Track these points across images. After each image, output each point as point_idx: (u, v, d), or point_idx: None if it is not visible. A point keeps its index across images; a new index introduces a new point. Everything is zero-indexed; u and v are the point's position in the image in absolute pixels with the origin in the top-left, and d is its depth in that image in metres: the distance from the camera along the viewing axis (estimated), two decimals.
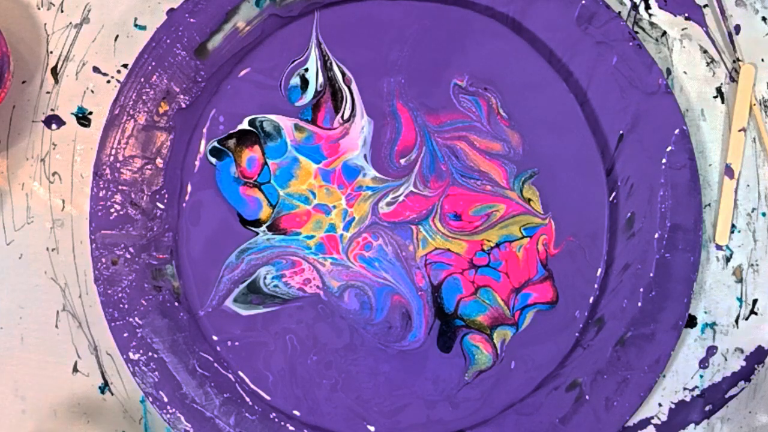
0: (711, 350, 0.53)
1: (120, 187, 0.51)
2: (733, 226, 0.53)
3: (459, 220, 0.52)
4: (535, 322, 0.52)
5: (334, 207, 0.52)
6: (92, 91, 0.53)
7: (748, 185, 0.53)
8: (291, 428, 0.51)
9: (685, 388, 0.53)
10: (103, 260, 0.51)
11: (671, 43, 0.53)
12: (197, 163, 0.52)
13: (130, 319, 0.51)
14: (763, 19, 0.53)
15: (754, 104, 0.53)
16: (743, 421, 0.53)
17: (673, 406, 0.53)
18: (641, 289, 0.51)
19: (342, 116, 0.52)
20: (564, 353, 0.52)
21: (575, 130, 0.52)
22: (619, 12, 0.53)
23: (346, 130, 0.52)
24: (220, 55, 0.52)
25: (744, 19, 0.53)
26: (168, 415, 0.50)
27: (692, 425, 0.53)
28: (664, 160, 0.51)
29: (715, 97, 0.53)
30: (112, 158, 0.51)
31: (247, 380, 0.52)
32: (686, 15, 0.53)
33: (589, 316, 0.52)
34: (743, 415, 0.53)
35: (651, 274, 0.51)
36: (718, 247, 0.53)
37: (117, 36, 0.53)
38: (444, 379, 0.52)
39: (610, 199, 0.52)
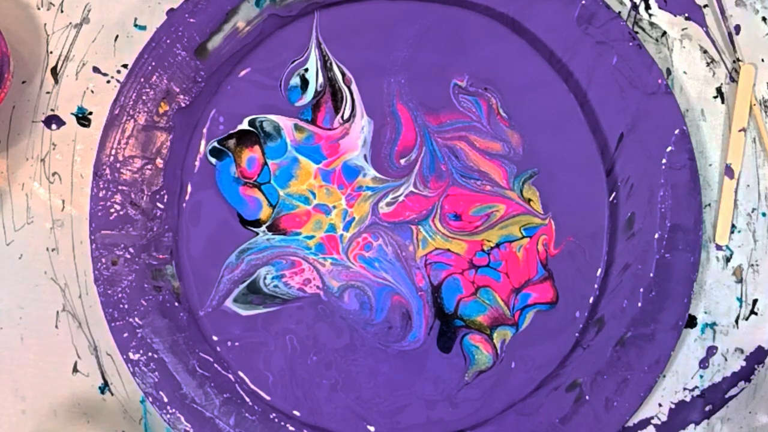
0: (711, 350, 0.53)
1: (120, 187, 0.51)
2: (733, 226, 0.53)
3: (459, 220, 0.52)
4: (535, 323, 0.52)
5: (334, 207, 0.52)
6: (92, 91, 0.53)
7: (748, 185, 0.53)
8: (291, 428, 0.51)
9: (685, 388, 0.53)
10: (103, 260, 0.51)
11: (671, 43, 0.53)
12: (197, 163, 0.52)
13: (130, 320, 0.51)
14: (763, 19, 0.53)
15: (754, 104, 0.53)
16: (743, 421, 0.53)
17: (673, 406, 0.53)
18: (641, 289, 0.51)
19: (342, 116, 0.52)
20: (564, 353, 0.52)
21: (575, 130, 0.52)
22: (619, 12, 0.53)
23: (346, 130, 0.52)
24: (220, 55, 0.52)
25: (744, 19, 0.53)
26: (168, 415, 0.50)
27: (692, 425, 0.53)
28: (664, 160, 0.51)
29: (715, 97, 0.53)
30: (112, 158, 0.51)
31: (247, 380, 0.52)
32: (686, 15, 0.53)
33: (589, 316, 0.52)
34: (743, 415, 0.53)
35: (651, 274, 0.51)
36: (718, 247, 0.53)
37: (117, 36, 0.53)
38: (444, 380, 0.52)
39: (610, 199, 0.52)
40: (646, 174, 0.51)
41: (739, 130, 0.53)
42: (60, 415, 0.52)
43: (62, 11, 0.53)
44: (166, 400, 0.50)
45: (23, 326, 0.52)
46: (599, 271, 0.52)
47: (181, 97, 0.51)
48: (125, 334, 0.51)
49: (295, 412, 0.52)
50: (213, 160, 0.52)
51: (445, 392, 0.52)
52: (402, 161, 0.52)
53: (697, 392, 0.53)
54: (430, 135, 0.52)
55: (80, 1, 0.53)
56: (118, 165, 0.51)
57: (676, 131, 0.51)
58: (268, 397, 0.52)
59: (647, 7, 0.53)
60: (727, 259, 0.53)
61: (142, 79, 0.51)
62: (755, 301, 0.53)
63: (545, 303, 0.52)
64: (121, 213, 0.51)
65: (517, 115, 0.52)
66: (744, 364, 0.53)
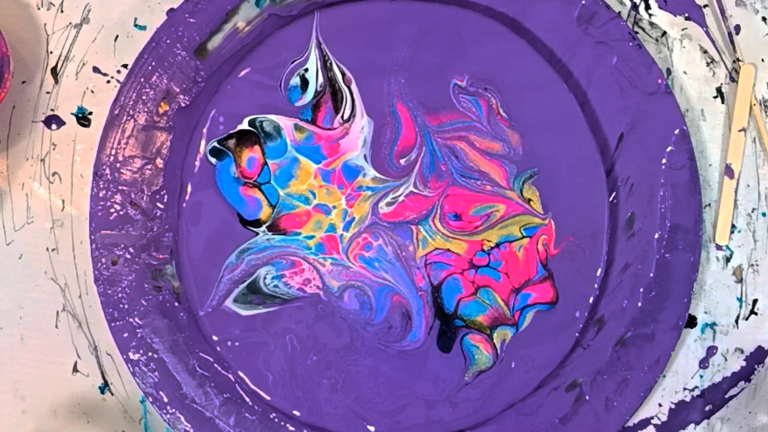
0: (711, 350, 0.53)
1: (120, 187, 0.51)
2: (733, 226, 0.53)
3: (459, 220, 0.52)
4: (535, 322, 0.52)
5: (334, 207, 0.52)
6: (92, 91, 0.53)
7: (748, 185, 0.53)
8: (291, 428, 0.51)
9: (685, 388, 0.53)
10: (103, 260, 0.51)
11: (671, 43, 0.53)
12: (197, 163, 0.52)
13: (130, 319, 0.51)
14: (763, 19, 0.53)
15: (754, 104, 0.53)
16: (743, 421, 0.53)
17: (673, 406, 0.53)
18: (641, 289, 0.51)
19: (342, 116, 0.52)
20: (564, 353, 0.52)
21: (575, 130, 0.52)
22: (619, 12, 0.53)
23: (346, 130, 0.52)
24: (220, 55, 0.52)
25: (744, 19, 0.53)
26: (168, 415, 0.50)
27: (692, 425, 0.53)
28: (664, 160, 0.51)
29: (715, 97, 0.53)
30: (112, 158, 0.51)
31: (247, 380, 0.52)
32: (686, 15, 0.53)
33: (589, 316, 0.52)
34: (743, 415, 0.53)
35: (651, 274, 0.51)
36: (718, 247, 0.53)
37: (117, 36, 0.53)
38: (444, 379, 0.52)
39: (610, 199, 0.52)
40: (646, 174, 0.51)
41: (739, 130, 0.53)
42: (60, 415, 0.52)
43: (62, 11, 0.53)
44: (166, 400, 0.50)
45: (23, 326, 0.52)
46: (599, 271, 0.52)
47: (181, 97, 0.51)
48: (125, 334, 0.51)
49: (295, 412, 0.52)
50: (213, 160, 0.52)
51: (445, 392, 0.52)
52: (402, 161, 0.52)
53: (697, 392, 0.53)
54: (430, 135, 0.52)
55: (80, 1, 0.53)
56: (118, 165, 0.51)
57: (676, 131, 0.51)
58: (268, 397, 0.52)
59: (647, 7, 0.53)
60: (727, 259, 0.53)
61: (142, 79, 0.51)
62: (755, 301, 0.53)
63: (545, 303, 0.52)
64: (121, 213, 0.51)
65: (517, 115, 0.52)
66: (744, 364, 0.53)
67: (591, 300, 0.52)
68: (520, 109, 0.52)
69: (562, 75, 0.52)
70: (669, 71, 0.53)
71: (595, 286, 0.52)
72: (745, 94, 0.53)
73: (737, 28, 0.53)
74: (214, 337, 0.52)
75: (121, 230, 0.51)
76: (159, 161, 0.51)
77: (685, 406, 0.53)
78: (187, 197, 0.52)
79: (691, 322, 0.53)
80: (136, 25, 0.53)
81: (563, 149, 0.52)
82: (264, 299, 0.52)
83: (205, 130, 0.52)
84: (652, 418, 0.53)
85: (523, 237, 0.52)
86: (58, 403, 0.52)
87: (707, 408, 0.53)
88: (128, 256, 0.51)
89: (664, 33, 0.53)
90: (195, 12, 0.51)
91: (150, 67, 0.51)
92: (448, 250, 0.52)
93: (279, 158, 0.52)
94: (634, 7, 0.53)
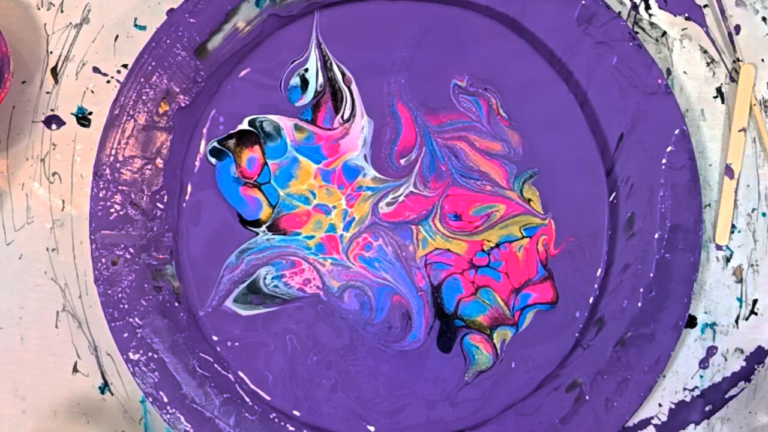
0: (711, 350, 0.53)
1: (120, 187, 0.51)
2: (733, 226, 0.53)
3: (459, 220, 0.52)
4: (535, 323, 0.52)
5: (334, 207, 0.52)
6: (92, 91, 0.53)
7: (748, 185, 0.53)
8: (291, 428, 0.51)
9: (685, 388, 0.53)
10: (103, 260, 0.51)
11: (671, 43, 0.53)
12: (197, 163, 0.52)
13: (130, 320, 0.51)
14: (763, 19, 0.53)
15: (754, 104, 0.53)
16: (743, 421, 0.53)
17: (673, 406, 0.53)
18: (641, 290, 0.51)
19: (342, 116, 0.52)
20: (564, 353, 0.52)
21: (575, 130, 0.52)
22: (619, 12, 0.53)
23: (346, 131, 0.52)
24: (220, 55, 0.52)
25: (744, 19, 0.53)
26: (168, 415, 0.50)
27: (692, 425, 0.53)
28: (664, 160, 0.51)
29: (715, 97, 0.53)
30: (112, 158, 0.51)
31: (247, 380, 0.52)
32: (686, 15, 0.53)
33: (589, 317, 0.52)
34: (743, 415, 0.53)
35: (651, 274, 0.51)
36: (718, 247, 0.53)
37: (117, 36, 0.53)
38: (444, 380, 0.52)
39: (610, 199, 0.52)
40: (646, 174, 0.51)
41: (739, 130, 0.53)
42: (60, 415, 0.52)
43: (62, 11, 0.53)
44: (166, 400, 0.50)
45: (23, 326, 0.52)
46: (599, 271, 0.52)
47: (181, 97, 0.51)
48: (125, 334, 0.51)
49: (295, 412, 0.52)
50: (213, 160, 0.52)
51: (445, 392, 0.52)
52: (402, 161, 0.52)
53: (697, 392, 0.53)
54: (430, 135, 0.52)
55: (80, 1, 0.53)
56: (118, 165, 0.51)
57: (676, 131, 0.51)
58: (268, 397, 0.52)
59: (647, 7, 0.53)
60: (727, 259, 0.53)
61: (142, 79, 0.51)
62: (755, 301, 0.53)
63: (545, 303, 0.52)
64: (121, 213, 0.51)
65: (517, 115, 0.52)
66: (744, 364, 0.53)
67: (591, 300, 0.52)
68: (520, 109, 0.52)
69: (562, 75, 0.52)
70: (669, 71, 0.53)
71: (595, 286, 0.52)
72: (745, 94, 0.53)
73: (737, 28, 0.53)
74: (214, 337, 0.52)
75: (121, 230, 0.51)
76: (159, 161, 0.51)
77: (685, 406, 0.53)
78: (187, 197, 0.52)
79: (691, 322, 0.53)
80: (136, 25, 0.53)
81: (563, 149, 0.52)
82: (264, 299, 0.52)
83: (205, 130, 0.52)
84: (652, 418, 0.53)
85: (523, 237, 0.52)
86: (58, 403, 0.52)
87: (707, 408, 0.53)
88: (128, 256, 0.51)
89: (664, 33, 0.53)
90: (195, 12, 0.51)
91: (150, 67, 0.51)
92: (448, 250, 0.52)
93: (279, 158, 0.52)
94: (634, 7, 0.53)
